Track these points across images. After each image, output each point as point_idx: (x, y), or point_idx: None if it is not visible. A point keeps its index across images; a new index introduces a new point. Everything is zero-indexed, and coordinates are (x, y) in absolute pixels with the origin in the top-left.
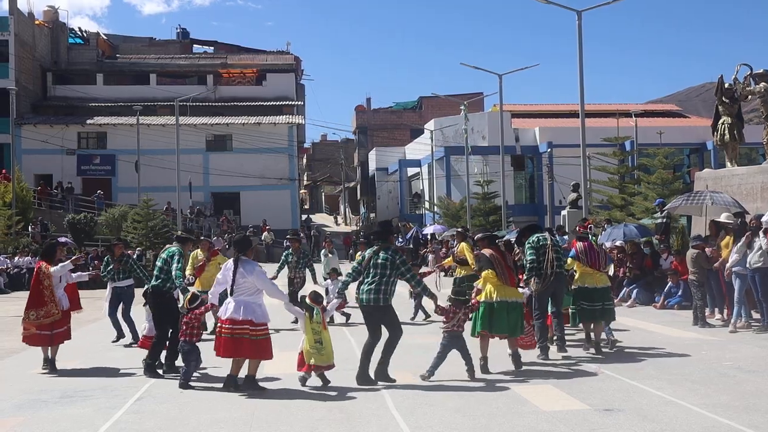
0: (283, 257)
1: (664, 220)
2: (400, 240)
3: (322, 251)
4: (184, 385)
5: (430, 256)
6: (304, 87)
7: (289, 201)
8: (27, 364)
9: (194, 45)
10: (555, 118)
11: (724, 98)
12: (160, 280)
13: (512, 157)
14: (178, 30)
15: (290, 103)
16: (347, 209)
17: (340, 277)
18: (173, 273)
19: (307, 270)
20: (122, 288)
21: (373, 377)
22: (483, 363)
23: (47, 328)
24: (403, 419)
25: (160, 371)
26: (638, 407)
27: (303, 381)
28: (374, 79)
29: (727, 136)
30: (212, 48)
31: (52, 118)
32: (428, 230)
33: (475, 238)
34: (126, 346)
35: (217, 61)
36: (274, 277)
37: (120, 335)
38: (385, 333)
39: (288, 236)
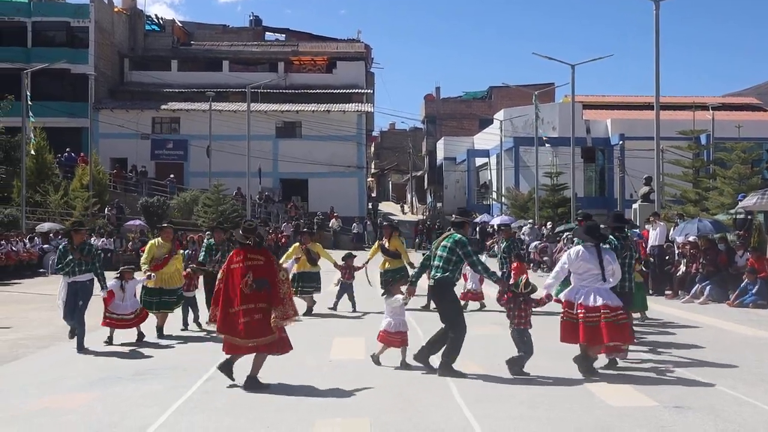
0: (205, 246)
1: (747, 216)
2: None
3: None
4: (520, 371)
5: (496, 246)
6: (374, 75)
7: (357, 189)
8: (101, 342)
9: (266, 32)
10: (627, 110)
11: None
12: (448, 272)
13: (582, 149)
14: (251, 18)
15: (360, 91)
16: (414, 198)
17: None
18: (476, 262)
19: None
20: (82, 283)
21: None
22: None
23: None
24: (468, 408)
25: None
26: (710, 406)
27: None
28: (444, 68)
29: None
30: (284, 36)
31: (128, 103)
32: (495, 221)
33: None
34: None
35: (288, 49)
36: (203, 264)
37: (81, 344)
38: None
39: (214, 225)
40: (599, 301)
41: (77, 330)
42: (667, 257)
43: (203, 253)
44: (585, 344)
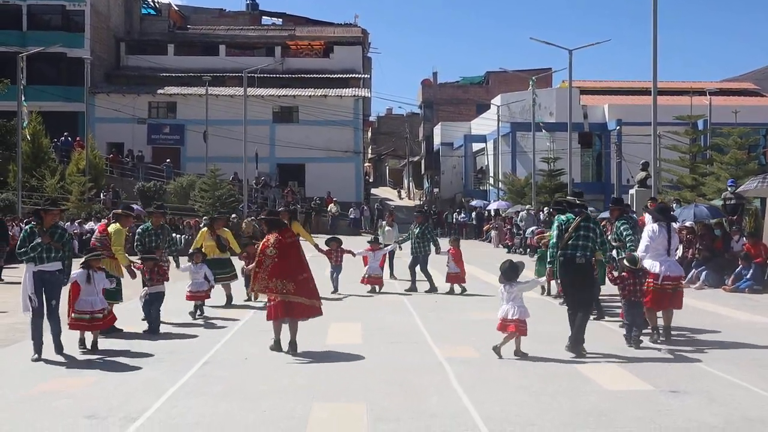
0: (139, 232)
1: (733, 201)
2: (463, 215)
3: (384, 222)
4: (636, 340)
5: (493, 232)
6: (371, 60)
7: (354, 174)
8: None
9: (263, 17)
10: (625, 95)
11: None
12: (593, 252)
13: (579, 134)
14: (248, 2)
15: (357, 76)
16: (411, 183)
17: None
18: (606, 240)
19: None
20: (50, 273)
21: None
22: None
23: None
24: (465, 394)
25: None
26: (705, 390)
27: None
28: (441, 54)
29: None
30: (281, 20)
31: (125, 87)
32: (492, 206)
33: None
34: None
35: (285, 33)
36: (152, 252)
37: (39, 350)
38: None
39: (152, 209)
40: (667, 272)
41: (52, 329)
42: None
43: (137, 239)
44: (652, 309)
